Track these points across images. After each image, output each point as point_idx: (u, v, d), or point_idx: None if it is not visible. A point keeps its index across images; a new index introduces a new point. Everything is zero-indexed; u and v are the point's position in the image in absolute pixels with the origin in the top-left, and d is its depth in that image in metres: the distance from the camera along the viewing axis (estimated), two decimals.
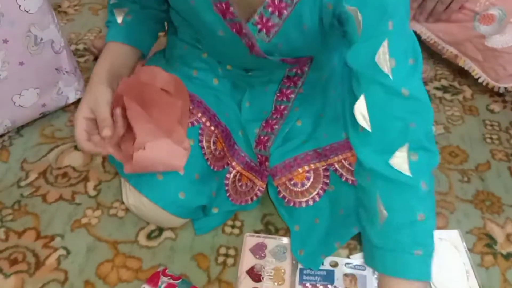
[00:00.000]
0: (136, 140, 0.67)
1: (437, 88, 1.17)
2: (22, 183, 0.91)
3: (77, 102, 1.06)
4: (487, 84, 1.10)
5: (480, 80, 1.10)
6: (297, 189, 0.77)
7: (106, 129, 0.67)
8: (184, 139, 0.70)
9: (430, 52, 1.26)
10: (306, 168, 0.78)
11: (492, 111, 1.11)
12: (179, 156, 0.70)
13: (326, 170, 0.78)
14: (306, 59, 0.80)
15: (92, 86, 0.72)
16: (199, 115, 0.78)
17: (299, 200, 0.77)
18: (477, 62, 1.10)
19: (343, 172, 0.78)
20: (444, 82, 1.19)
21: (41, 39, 0.92)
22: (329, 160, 0.79)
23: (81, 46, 1.27)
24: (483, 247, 0.81)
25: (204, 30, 0.76)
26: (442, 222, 0.85)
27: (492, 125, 1.06)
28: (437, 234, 0.80)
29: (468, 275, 0.75)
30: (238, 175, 0.83)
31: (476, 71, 1.10)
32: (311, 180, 0.77)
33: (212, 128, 0.79)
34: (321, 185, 0.77)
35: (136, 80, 0.70)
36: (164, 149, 0.69)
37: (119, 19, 0.80)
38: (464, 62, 1.12)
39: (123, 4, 0.81)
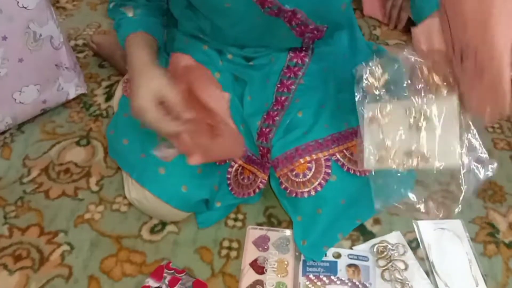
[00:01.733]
0: (219, 122, 0.64)
1: None
2: (25, 180, 0.91)
3: (78, 98, 1.07)
4: None
5: None
6: (299, 180, 0.77)
7: (186, 113, 0.64)
8: (236, 128, 0.68)
9: None
10: (308, 158, 0.78)
11: None
12: (241, 144, 0.70)
13: (327, 160, 0.78)
14: (313, 33, 0.79)
15: (143, 74, 0.68)
16: None
17: (301, 190, 0.77)
18: None
19: (344, 162, 0.78)
20: None
21: (40, 35, 0.92)
22: (330, 150, 0.79)
23: (80, 42, 1.26)
24: (485, 236, 0.81)
25: (209, 8, 0.75)
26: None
27: None
28: (440, 224, 0.81)
29: (471, 264, 0.76)
30: (240, 168, 0.83)
31: None
32: (313, 170, 0.77)
33: None
34: (322, 175, 0.77)
35: (186, 64, 0.67)
36: (233, 136, 0.68)
37: (130, 13, 0.79)
38: None
39: (126, 3, 0.80)
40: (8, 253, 0.79)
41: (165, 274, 0.73)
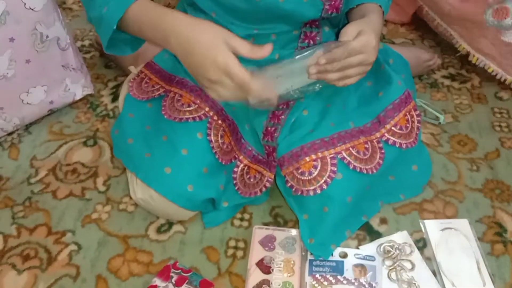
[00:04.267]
0: None
1: (445, 77, 1.16)
2: (32, 180, 0.91)
3: (84, 99, 1.08)
4: (505, 80, 1.07)
5: (498, 77, 1.07)
6: (305, 178, 0.77)
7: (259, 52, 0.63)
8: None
9: (437, 40, 1.25)
10: (313, 156, 0.78)
11: (500, 99, 1.09)
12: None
13: (333, 158, 0.78)
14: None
15: (198, 25, 0.64)
16: (207, 109, 0.78)
17: (306, 188, 0.77)
18: (493, 58, 1.06)
19: (350, 160, 0.78)
20: (451, 70, 1.18)
21: (47, 37, 0.93)
22: (336, 148, 0.78)
23: (86, 42, 1.27)
24: (493, 235, 0.81)
25: None
26: (451, 211, 0.85)
27: (501, 113, 1.06)
28: (447, 223, 0.81)
29: (478, 264, 0.75)
30: (246, 168, 0.83)
31: (492, 68, 1.07)
32: (318, 168, 0.77)
33: (220, 122, 0.79)
34: (328, 173, 0.77)
35: None
36: None
37: None
38: (477, 60, 1.09)
39: None
40: (16, 253, 0.79)
41: (172, 274, 0.74)
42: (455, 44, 1.13)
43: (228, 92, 0.65)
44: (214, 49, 0.62)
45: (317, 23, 0.82)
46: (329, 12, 0.80)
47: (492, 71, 1.08)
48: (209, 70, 0.63)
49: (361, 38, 0.70)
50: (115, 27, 0.67)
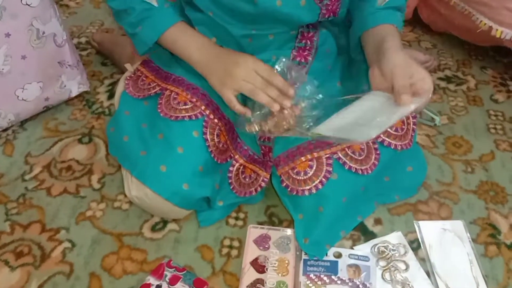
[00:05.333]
0: None
1: (440, 79, 1.16)
2: (27, 177, 0.91)
3: (80, 96, 1.07)
4: None
5: None
6: (300, 178, 0.77)
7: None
8: None
9: (434, 42, 1.25)
10: (309, 156, 0.78)
11: (496, 101, 1.10)
12: None
13: (329, 158, 0.78)
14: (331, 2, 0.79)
15: (233, 53, 0.78)
16: (203, 107, 0.78)
17: (302, 188, 0.77)
18: None
19: (346, 160, 0.78)
20: (447, 72, 1.18)
21: (43, 33, 0.92)
22: (332, 148, 0.79)
23: (83, 39, 1.27)
24: (487, 237, 0.81)
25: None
26: (446, 212, 0.85)
27: (496, 115, 1.06)
28: (441, 224, 0.81)
29: (472, 265, 0.75)
30: (241, 167, 0.83)
31: None
32: (314, 168, 0.77)
33: (216, 120, 0.79)
34: (324, 173, 0.77)
35: None
36: None
37: (154, 2, 0.78)
38: (502, 33, 1.05)
39: None
40: (9, 250, 0.79)
41: (166, 272, 0.73)
42: (475, 21, 1.09)
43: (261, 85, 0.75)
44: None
45: (314, 23, 0.83)
46: (326, 16, 0.80)
47: None
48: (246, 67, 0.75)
49: (424, 80, 0.70)
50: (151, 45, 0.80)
